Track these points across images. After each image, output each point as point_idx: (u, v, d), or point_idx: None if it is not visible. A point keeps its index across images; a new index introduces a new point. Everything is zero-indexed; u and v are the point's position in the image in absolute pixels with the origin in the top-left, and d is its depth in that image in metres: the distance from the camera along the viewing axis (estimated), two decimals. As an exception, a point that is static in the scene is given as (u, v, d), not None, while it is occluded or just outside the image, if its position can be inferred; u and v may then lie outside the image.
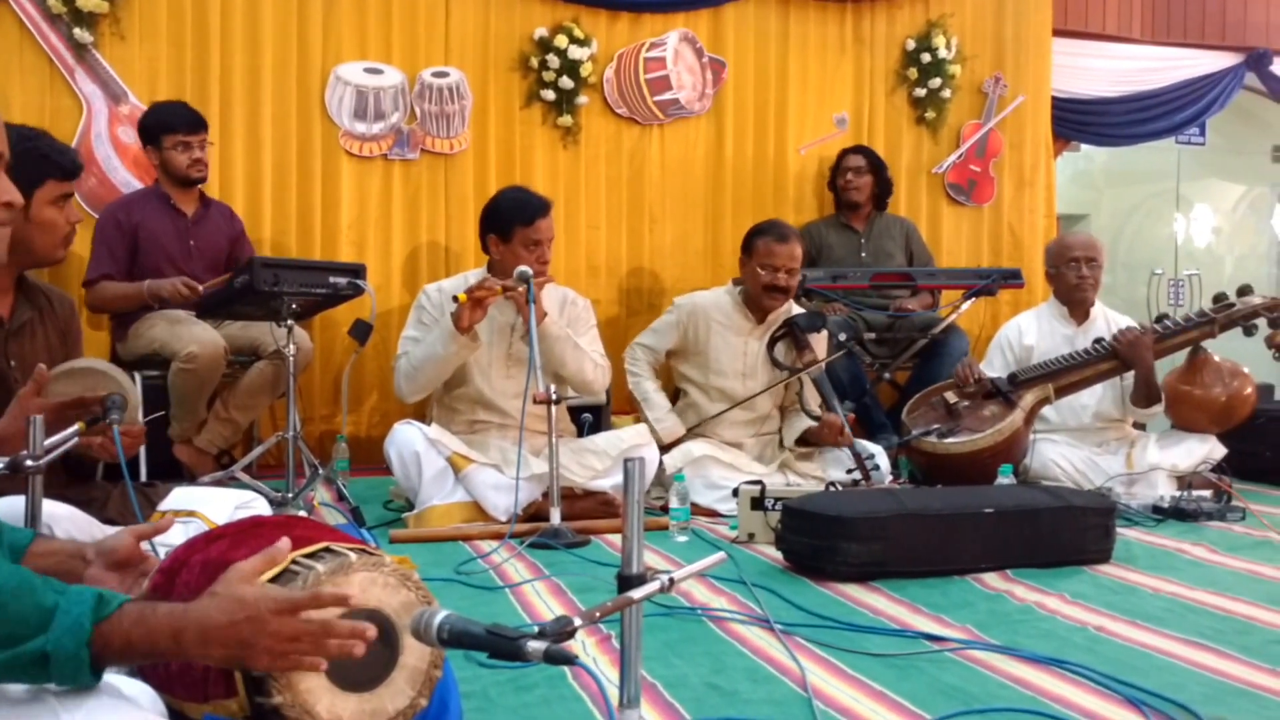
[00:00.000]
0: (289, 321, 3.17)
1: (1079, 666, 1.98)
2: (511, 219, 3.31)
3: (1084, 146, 6.61)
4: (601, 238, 4.93)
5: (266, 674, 1.10)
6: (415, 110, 4.63)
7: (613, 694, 1.18)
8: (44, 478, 1.60)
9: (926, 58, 5.36)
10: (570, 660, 1.01)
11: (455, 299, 3.13)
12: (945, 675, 1.95)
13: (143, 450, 3.14)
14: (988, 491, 3.11)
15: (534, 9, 4.78)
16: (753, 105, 5.17)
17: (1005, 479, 3.38)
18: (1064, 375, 3.86)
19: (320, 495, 3.46)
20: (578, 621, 1.05)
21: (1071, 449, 3.91)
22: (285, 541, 1.14)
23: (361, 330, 3.35)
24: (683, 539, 3.08)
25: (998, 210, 5.63)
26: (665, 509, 3.21)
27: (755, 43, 5.16)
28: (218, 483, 3.20)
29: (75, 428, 1.79)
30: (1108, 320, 4.08)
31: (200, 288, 3.54)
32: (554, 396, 2.97)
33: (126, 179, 4.15)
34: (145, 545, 1.42)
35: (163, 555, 1.42)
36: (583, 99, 4.82)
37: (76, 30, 4.09)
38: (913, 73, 5.39)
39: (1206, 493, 3.66)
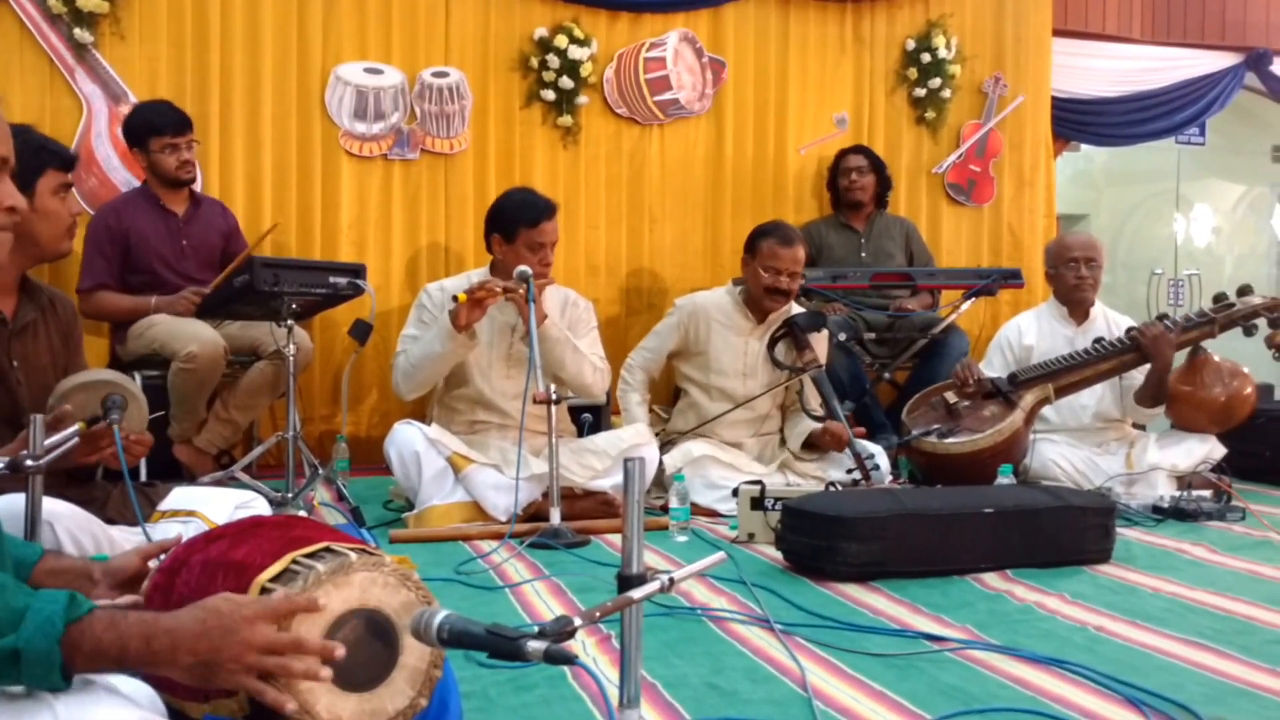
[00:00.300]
0: (289, 321, 3.17)
1: (1079, 666, 1.98)
2: (516, 220, 3.31)
3: (1084, 146, 6.61)
4: (601, 238, 4.93)
5: (266, 674, 1.10)
6: (415, 110, 4.63)
7: (613, 694, 1.18)
8: (44, 478, 1.60)
9: (926, 58, 5.36)
10: (570, 660, 1.01)
11: (455, 298, 3.13)
12: (945, 675, 1.95)
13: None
14: (988, 491, 3.11)
15: (534, 9, 4.78)
16: (753, 105, 5.17)
17: (1005, 479, 3.38)
18: (1064, 375, 3.86)
19: (320, 495, 3.46)
20: (578, 621, 1.05)
21: (1071, 449, 3.91)
22: (281, 593, 1.13)
23: (361, 330, 3.35)
24: (683, 539, 3.08)
25: (998, 210, 5.63)
26: (665, 509, 3.21)
27: (755, 43, 5.16)
28: (218, 483, 3.20)
29: (75, 427, 1.79)
30: (1108, 320, 4.08)
31: (204, 291, 3.54)
32: (554, 396, 2.98)
33: (127, 178, 4.15)
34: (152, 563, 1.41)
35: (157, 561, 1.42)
36: (583, 99, 4.82)
37: (77, 30, 4.09)
38: (913, 73, 5.39)
39: (1206, 493, 3.66)
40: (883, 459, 3.62)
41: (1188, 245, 8.25)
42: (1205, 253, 8.26)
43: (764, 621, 2.25)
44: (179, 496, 2.03)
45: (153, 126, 3.70)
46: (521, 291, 3.10)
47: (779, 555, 2.82)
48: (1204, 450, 3.84)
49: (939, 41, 5.37)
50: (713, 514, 3.47)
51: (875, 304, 4.64)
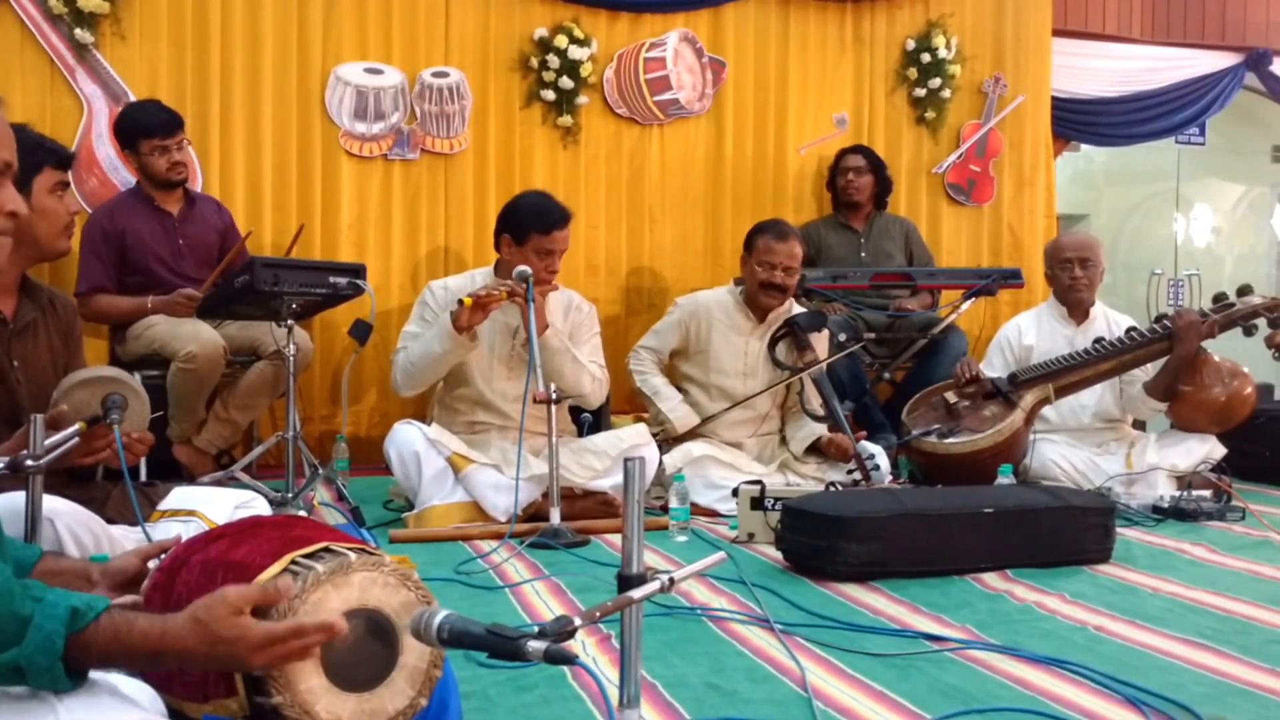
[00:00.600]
0: (289, 321, 3.17)
1: (1079, 666, 1.98)
2: (528, 225, 3.29)
3: (1084, 146, 6.61)
4: (601, 237, 4.93)
5: (265, 674, 1.10)
6: (415, 110, 4.63)
7: (613, 694, 1.18)
8: (44, 478, 1.60)
9: (926, 58, 5.36)
10: (570, 660, 1.01)
11: (460, 301, 3.11)
12: (945, 675, 1.95)
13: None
14: (987, 491, 3.11)
15: (534, 9, 4.78)
16: (753, 105, 5.17)
17: (1005, 479, 3.38)
18: (1064, 375, 3.86)
19: (320, 495, 3.46)
20: (578, 621, 1.05)
21: (1071, 449, 3.92)
22: (285, 582, 1.13)
23: (361, 330, 3.35)
24: (683, 539, 3.08)
25: (998, 210, 5.63)
26: (665, 509, 3.21)
27: (755, 43, 5.16)
28: (217, 483, 3.20)
29: (75, 427, 1.79)
30: (1108, 320, 4.09)
31: (199, 294, 3.54)
32: (554, 396, 2.98)
33: (127, 179, 4.14)
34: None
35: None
36: (583, 99, 4.82)
37: (77, 31, 4.09)
38: (913, 73, 5.39)
39: (1206, 493, 3.66)
40: (883, 459, 3.62)
41: (1188, 245, 8.25)
42: (1205, 253, 8.26)
43: (764, 621, 2.25)
44: (179, 496, 2.03)
45: (142, 128, 3.68)
46: (522, 292, 3.10)
47: (779, 555, 2.82)
48: (1204, 450, 3.84)
49: (939, 41, 5.37)
50: (713, 514, 3.47)
51: (875, 304, 4.64)
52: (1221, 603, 2.47)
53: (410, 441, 3.23)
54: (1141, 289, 6.66)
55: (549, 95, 4.76)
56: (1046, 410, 3.94)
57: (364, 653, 1.15)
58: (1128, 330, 3.93)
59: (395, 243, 4.64)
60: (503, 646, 1.01)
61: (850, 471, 3.51)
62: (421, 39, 4.65)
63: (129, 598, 1.32)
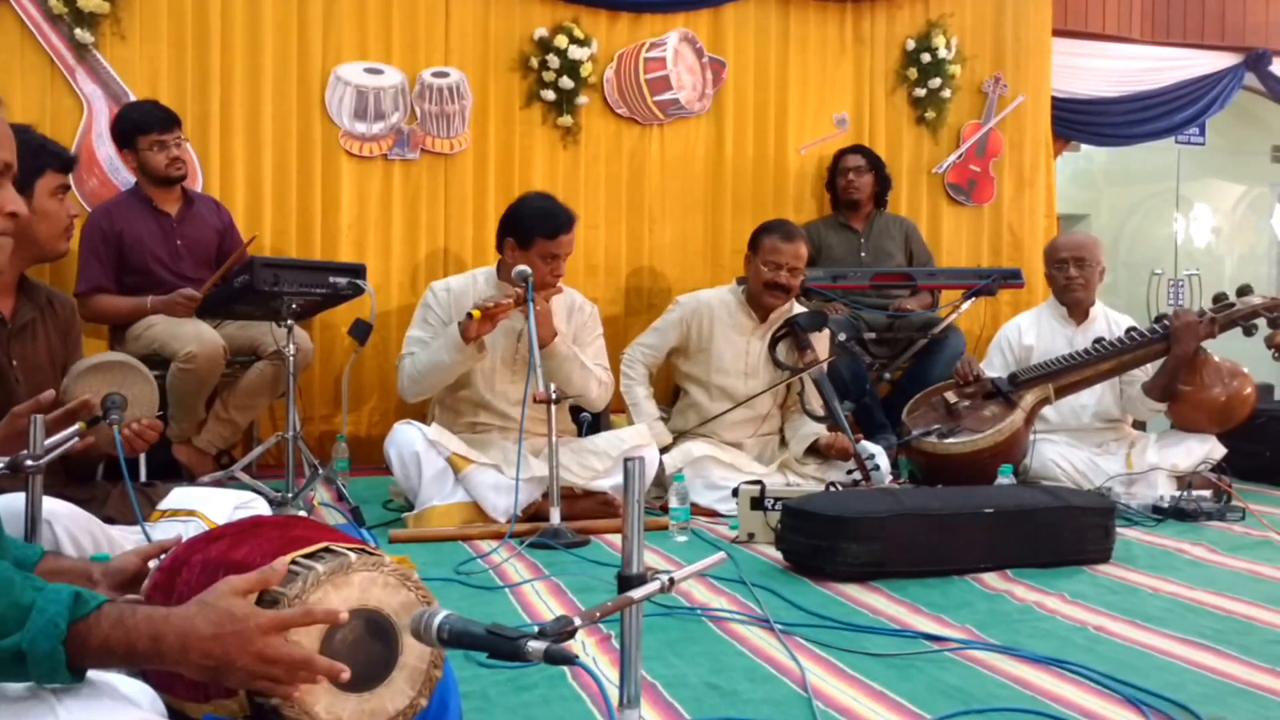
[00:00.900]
0: (289, 321, 3.17)
1: (1079, 666, 1.98)
2: (534, 229, 3.27)
3: (1084, 146, 6.61)
4: (601, 237, 4.93)
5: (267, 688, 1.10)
6: (415, 110, 4.63)
7: (613, 694, 1.18)
8: (44, 477, 1.60)
9: (926, 58, 5.36)
10: (570, 660, 1.01)
11: (470, 314, 3.10)
12: (945, 675, 1.95)
13: (142, 450, 3.13)
14: (987, 491, 3.11)
15: (534, 9, 4.78)
16: (753, 105, 5.17)
17: (1005, 479, 3.38)
18: (1064, 375, 3.86)
19: (320, 495, 3.46)
20: (578, 621, 1.05)
21: (1071, 449, 3.92)
22: (282, 561, 1.13)
23: (361, 330, 3.35)
24: (683, 539, 3.08)
25: (998, 210, 5.63)
26: (665, 509, 3.21)
27: (755, 43, 5.16)
28: (217, 483, 3.20)
29: (75, 427, 1.79)
30: (1108, 320, 4.09)
31: (199, 295, 3.54)
32: (554, 396, 2.98)
33: (127, 179, 4.14)
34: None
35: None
36: (583, 99, 4.82)
37: (77, 30, 4.09)
38: (913, 73, 5.39)
39: (1206, 493, 3.66)
40: (883, 459, 3.62)
41: (1188, 245, 8.25)
42: (1205, 253, 8.26)
43: (764, 621, 2.25)
44: (179, 496, 2.03)
45: (140, 125, 3.69)
46: (523, 292, 3.10)
47: (779, 555, 2.82)
48: (1204, 450, 3.84)
49: (939, 41, 5.37)
50: (713, 514, 3.47)
51: (875, 304, 4.64)
52: (1221, 603, 2.47)
53: (410, 442, 3.23)
54: (1141, 289, 6.65)
55: (549, 95, 4.76)
56: (1046, 410, 3.94)
57: (364, 653, 1.15)
58: (1128, 330, 3.93)
59: (395, 243, 4.64)
60: (503, 646, 1.01)
61: (850, 471, 3.51)
62: (421, 39, 4.65)
63: (130, 597, 1.32)
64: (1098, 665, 1.99)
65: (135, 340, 3.62)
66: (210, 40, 4.32)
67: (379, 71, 4.58)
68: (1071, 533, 2.82)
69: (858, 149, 5.04)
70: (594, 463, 3.33)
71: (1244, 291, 3.94)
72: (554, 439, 2.99)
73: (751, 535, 3.04)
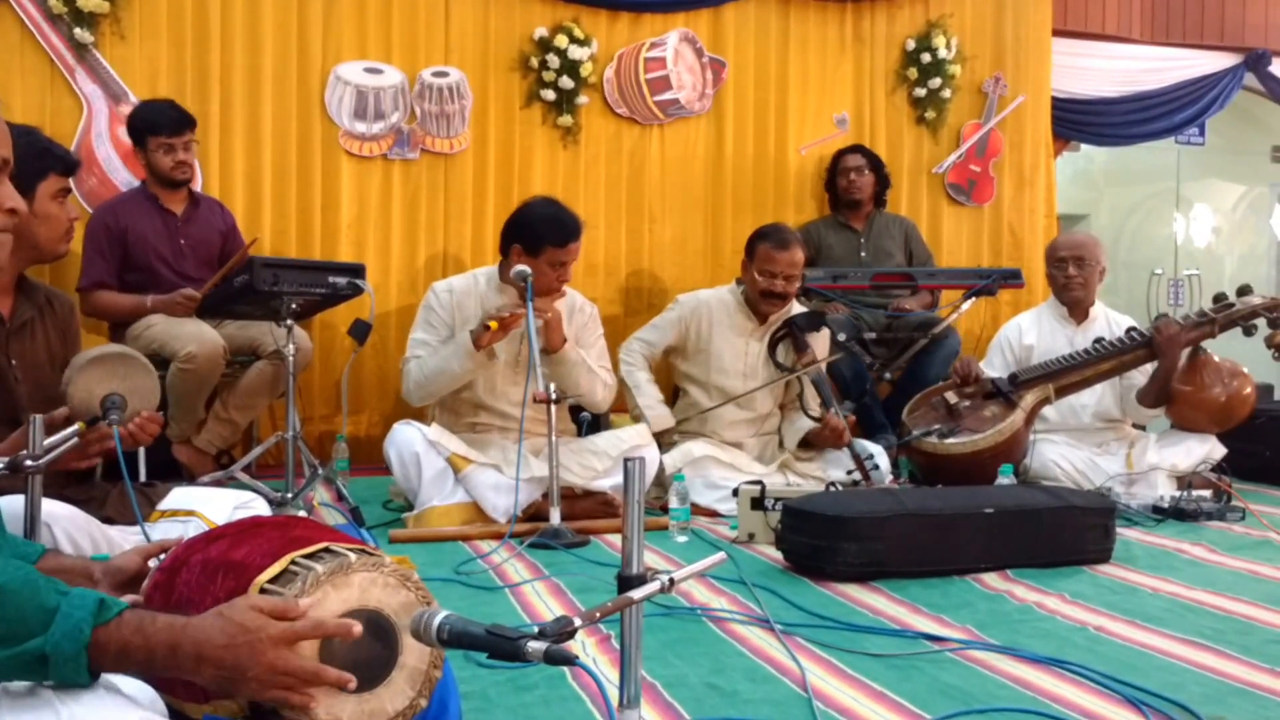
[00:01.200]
0: (289, 321, 3.17)
1: (1079, 666, 1.98)
2: (545, 237, 3.24)
3: (1084, 146, 6.61)
4: (601, 237, 4.92)
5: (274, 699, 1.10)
6: (415, 110, 4.63)
7: (612, 694, 1.18)
8: (43, 477, 1.60)
9: (926, 58, 5.36)
10: (570, 660, 1.01)
11: (487, 326, 3.11)
12: (945, 675, 1.95)
13: (142, 450, 3.14)
14: (988, 491, 3.11)
15: (534, 9, 4.78)
16: (753, 105, 5.17)
17: (1005, 479, 3.38)
18: (1064, 375, 3.87)
19: (320, 495, 3.46)
20: (578, 622, 1.04)
21: (1071, 449, 3.92)
22: (305, 603, 1.13)
23: (361, 330, 3.35)
24: (683, 539, 3.07)
25: (998, 210, 5.63)
26: (665, 509, 3.21)
27: (755, 43, 5.16)
28: (217, 483, 3.20)
29: (75, 427, 1.79)
30: (1109, 320, 4.09)
31: (199, 295, 3.54)
32: (554, 396, 2.98)
33: (127, 179, 4.15)
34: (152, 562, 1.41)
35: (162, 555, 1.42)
36: (583, 99, 4.82)
37: (77, 30, 4.09)
38: (913, 73, 5.39)
39: (1206, 493, 3.66)
40: (883, 459, 3.62)
41: (1188, 245, 8.25)
42: (1205, 253, 8.26)
43: (764, 622, 2.25)
44: (178, 496, 2.03)
45: (151, 125, 3.71)
46: (547, 315, 3.16)
47: (779, 555, 2.82)
48: (1204, 450, 3.84)
49: (939, 41, 5.37)
50: (713, 514, 3.47)
51: (875, 304, 4.64)
52: (1221, 603, 2.47)
53: (410, 442, 3.23)
54: (1141, 289, 6.66)
55: (549, 95, 4.76)
56: (1046, 410, 3.94)
57: (364, 653, 1.15)
58: (1128, 330, 3.93)
59: (395, 242, 4.64)
60: (502, 647, 1.01)
61: (850, 472, 3.51)
62: (421, 39, 4.65)
63: (130, 597, 1.32)
64: (1098, 665, 1.99)
65: (135, 340, 3.61)
66: (210, 39, 4.32)
67: (379, 71, 4.58)
68: (1071, 533, 2.82)
69: (858, 149, 5.04)
70: (594, 463, 3.33)
71: (1244, 291, 3.94)
72: (554, 439, 2.98)
73: (751, 535, 3.04)
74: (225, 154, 4.36)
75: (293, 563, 1.18)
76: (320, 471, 3.21)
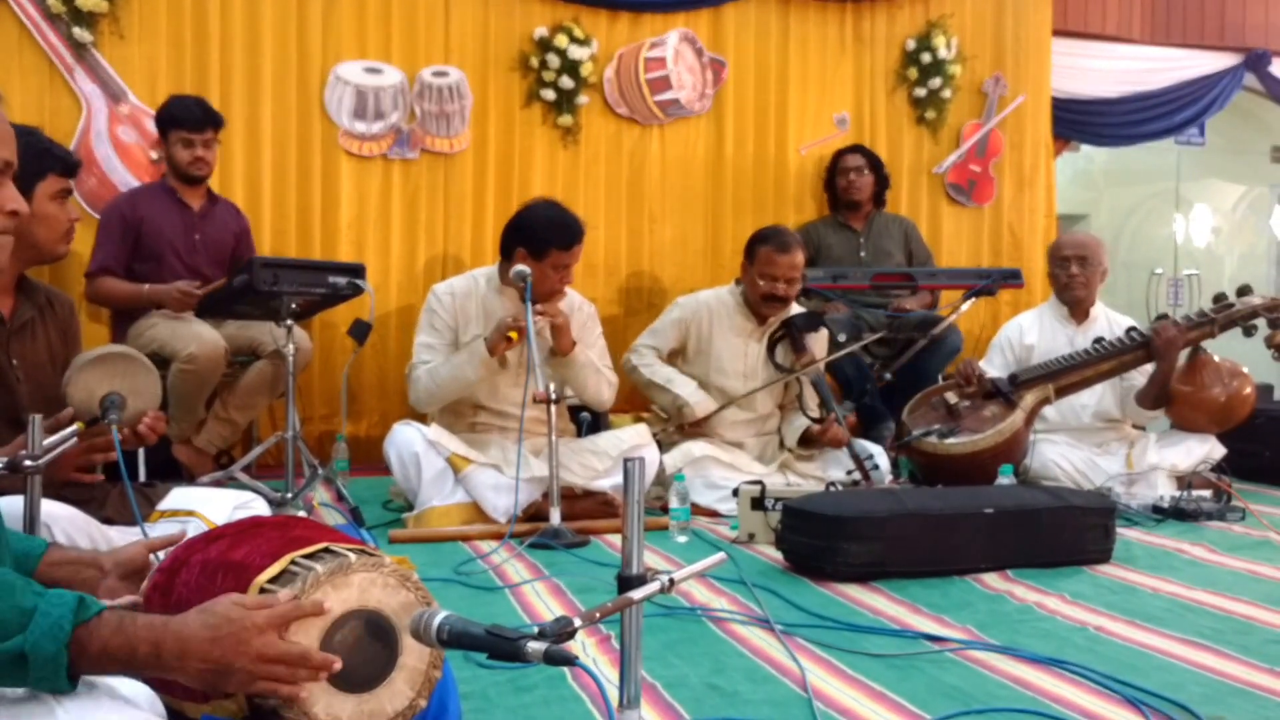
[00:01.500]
0: (288, 321, 3.17)
1: (1079, 666, 1.98)
2: (549, 240, 3.24)
3: (1084, 146, 6.61)
4: (601, 237, 4.92)
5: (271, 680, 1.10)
6: (415, 110, 4.63)
7: (612, 694, 1.18)
8: (50, 487, 1.60)
9: (926, 58, 5.36)
10: (570, 661, 1.01)
11: (509, 337, 3.13)
12: (945, 675, 1.95)
13: (141, 450, 3.13)
14: (988, 491, 3.11)
15: (534, 9, 4.78)
16: (753, 105, 5.17)
17: (1005, 479, 3.38)
18: (1064, 375, 3.87)
19: (319, 495, 3.46)
20: (578, 622, 1.04)
21: (1071, 449, 3.92)
22: (289, 601, 1.12)
23: (360, 330, 3.35)
24: (683, 539, 3.07)
25: (998, 210, 5.63)
26: (665, 509, 3.21)
27: (755, 43, 5.16)
28: (217, 483, 3.20)
29: (75, 427, 1.78)
30: (1109, 320, 4.09)
31: (198, 292, 3.54)
32: (554, 396, 2.98)
33: (126, 179, 4.15)
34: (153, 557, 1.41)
35: (162, 555, 1.42)
36: (583, 99, 4.82)
37: (76, 29, 4.09)
38: (913, 73, 5.39)
39: (1206, 493, 3.66)
40: (883, 459, 3.62)
41: (1187, 245, 8.25)
42: (1205, 253, 8.26)
43: (764, 622, 2.25)
44: (178, 496, 2.03)
45: (174, 119, 3.73)
46: (559, 319, 3.19)
47: (779, 555, 2.82)
48: (1204, 450, 3.84)
49: (939, 41, 5.37)
50: (713, 514, 3.47)
51: (875, 304, 4.64)
52: (1221, 603, 2.47)
53: (410, 442, 3.23)
54: (1141, 289, 6.66)
55: (549, 95, 4.76)
56: (1047, 410, 3.94)
57: (363, 654, 1.15)
58: (1128, 330, 3.93)
59: (394, 242, 4.63)
60: (502, 647, 1.01)
61: (850, 472, 3.51)
62: (421, 38, 4.65)
63: (128, 598, 1.32)
64: (1098, 665, 1.99)
65: (136, 340, 3.61)
66: (209, 39, 4.32)
67: (378, 71, 4.58)
68: (1071, 533, 2.82)
69: (857, 149, 5.04)
70: (594, 463, 3.33)
71: (1244, 291, 3.94)
72: (554, 439, 2.98)
73: (752, 535, 3.04)
74: (225, 154, 4.35)
75: (292, 563, 1.17)
76: (320, 471, 3.21)
